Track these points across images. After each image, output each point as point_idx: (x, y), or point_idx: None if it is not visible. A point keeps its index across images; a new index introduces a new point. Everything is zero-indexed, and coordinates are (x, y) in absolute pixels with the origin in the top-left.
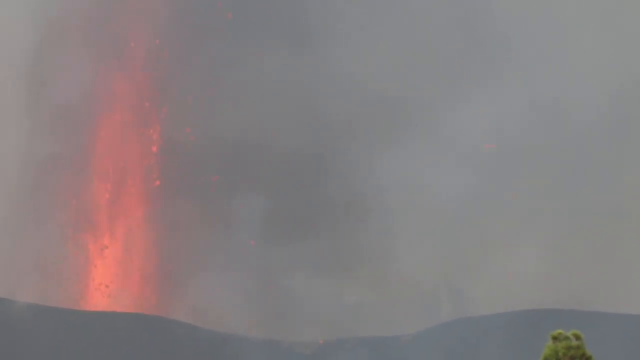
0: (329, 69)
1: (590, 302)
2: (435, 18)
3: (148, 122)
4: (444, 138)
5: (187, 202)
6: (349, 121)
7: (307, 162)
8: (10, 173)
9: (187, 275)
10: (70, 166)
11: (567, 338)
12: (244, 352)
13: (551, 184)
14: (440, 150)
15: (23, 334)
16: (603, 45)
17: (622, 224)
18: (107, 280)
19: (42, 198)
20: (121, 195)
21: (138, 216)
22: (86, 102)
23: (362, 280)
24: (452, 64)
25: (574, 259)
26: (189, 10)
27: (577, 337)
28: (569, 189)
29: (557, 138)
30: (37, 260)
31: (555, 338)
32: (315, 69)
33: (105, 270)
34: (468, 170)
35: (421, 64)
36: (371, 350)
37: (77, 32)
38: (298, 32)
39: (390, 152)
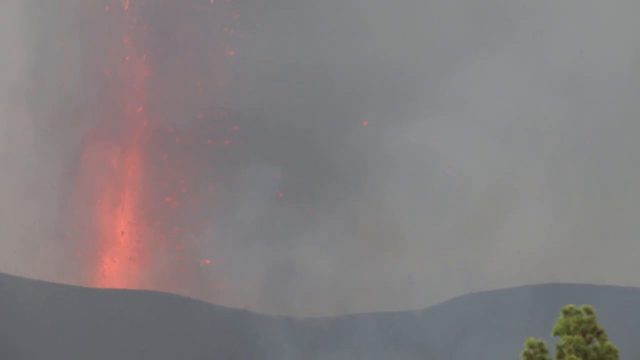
0: (333, 44)
1: (602, 276)
2: None
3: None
4: (453, 108)
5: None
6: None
7: (313, 137)
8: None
9: (201, 252)
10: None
11: (578, 312)
12: (259, 328)
13: (566, 156)
14: (449, 121)
15: (34, 311)
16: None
17: (637, 199)
18: (123, 257)
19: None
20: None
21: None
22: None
23: (373, 256)
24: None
25: (586, 233)
26: None
27: (589, 311)
28: (584, 162)
29: (574, 112)
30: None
31: (566, 312)
32: (317, 39)
33: (122, 248)
34: (480, 142)
35: (430, 30)
36: (383, 325)
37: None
38: (306, 6)
39: (397, 124)
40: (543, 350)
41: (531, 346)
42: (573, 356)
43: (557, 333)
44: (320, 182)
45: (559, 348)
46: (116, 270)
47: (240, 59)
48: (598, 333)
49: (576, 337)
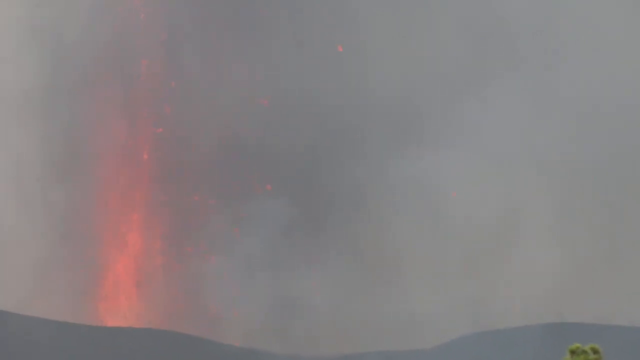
0: (335, 69)
1: (609, 314)
2: (450, 14)
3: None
4: (458, 139)
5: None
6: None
7: (318, 161)
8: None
9: (204, 287)
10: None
11: (585, 352)
12: None
13: (573, 189)
14: (454, 153)
15: (35, 349)
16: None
17: None
18: (126, 294)
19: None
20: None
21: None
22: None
23: (379, 292)
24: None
25: (593, 270)
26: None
27: (595, 351)
28: (591, 196)
29: (582, 143)
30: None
31: (573, 352)
32: (319, 69)
33: (116, 280)
34: (485, 174)
35: (434, 62)
36: None
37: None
38: (305, 30)
39: (402, 153)
40: None
41: None
42: None
43: None
44: (325, 214)
45: None
46: (120, 307)
47: (243, 88)
48: None
49: None
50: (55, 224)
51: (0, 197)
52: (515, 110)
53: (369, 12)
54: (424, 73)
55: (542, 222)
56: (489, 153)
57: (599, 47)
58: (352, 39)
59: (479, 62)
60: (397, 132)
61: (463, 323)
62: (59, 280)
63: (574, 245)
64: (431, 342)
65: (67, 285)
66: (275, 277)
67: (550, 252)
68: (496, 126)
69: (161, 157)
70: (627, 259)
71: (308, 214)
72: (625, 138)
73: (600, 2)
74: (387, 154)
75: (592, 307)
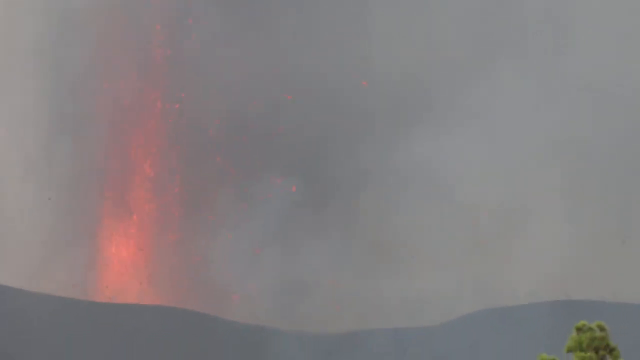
0: (341, 51)
1: (616, 292)
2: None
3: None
4: (466, 121)
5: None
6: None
7: (325, 146)
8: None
9: (212, 266)
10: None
11: (591, 329)
12: (271, 343)
13: (583, 170)
14: (463, 134)
15: (42, 327)
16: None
17: None
18: (133, 270)
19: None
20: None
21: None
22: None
23: (386, 271)
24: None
25: (600, 249)
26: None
27: (602, 328)
28: (601, 177)
29: (592, 124)
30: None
31: (579, 329)
32: (327, 51)
33: (128, 259)
34: (494, 155)
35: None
36: (396, 341)
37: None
38: (313, 14)
39: (410, 136)
40: None
41: None
42: None
43: (569, 350)
44: (331, 194)
45: None
46: (125, 283)
47: (250, 67)
48: (611, 350)
49: (589, 354)
50: (60, 195)
51: (4, 166)
52: (524, 92)
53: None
54: (432, 55)
55: (551, 202)
56: (497, 135)
57: (610, 28)
58: (359, 21)
59: (487, 45)
60: (405, 114)
61: (470, 301)
62: (64, 254)
63: (582, 224)
64: (438, 319)
65: (73, 260)
66: (283, 255)
67: (558, 230)
68: (505, 108)
69: (171, 125)
70: (635, 237)
71: (315, 194)
72: (637, 120)
73: None
74: (394, 135)
75: (599, 284)
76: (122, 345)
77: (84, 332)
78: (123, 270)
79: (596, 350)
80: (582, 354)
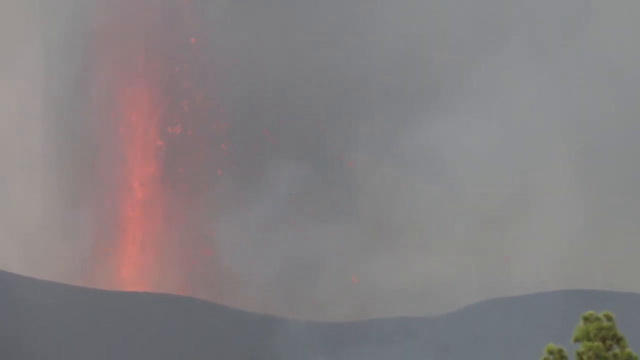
0: (348, 36)
1: (623, 282)
2: None
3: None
4: (476, 104)
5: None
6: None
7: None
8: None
9: (224, 256)
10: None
11: (598, 319)
12: (278, 331)
13: (593, 156)
14: (472, 118)
15: (47, 313)
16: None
17: None
18: (140, 259)
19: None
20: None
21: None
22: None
23: (394, 259)
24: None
25: (607, 239)
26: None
27: (609, 318)
28: (611, 163)
29: (603, 107)
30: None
31: (586, 319)
32: (335, 36)
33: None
34: (504, 139)
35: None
36: (403, 330)
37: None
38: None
39: (418, 121)
40: (562, 357)
41: (551, 352)
42: None
43: (577, 340)
44: (340, 180)
45: (579, 355)
46: (133, 272)
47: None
48: (618, 340)
49: (596, 343)
50: (64, 183)
51: (4, 159)
52: (530, 74)
53: None
54: (439, 38)
55: (559, 191)
56: (505, 121)
57: (617, 10)
58: (366, 3)
59: (494, 27)
60: (412, 97)
61: (477, 290)
62: (71, 243)
63: (590, 214)
64: (445, 308)
65: (80, 248)
66: (289, 241)
67: (565, 221)
68: (512, 91)
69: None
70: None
71: (322, 180)
72: None
73: None
74: (402, 119)
75: (607, 274)
76: (130, 333)
77: (92, 320)
78: (130, 260)
79: (603, 340)
80: (589, 343)
